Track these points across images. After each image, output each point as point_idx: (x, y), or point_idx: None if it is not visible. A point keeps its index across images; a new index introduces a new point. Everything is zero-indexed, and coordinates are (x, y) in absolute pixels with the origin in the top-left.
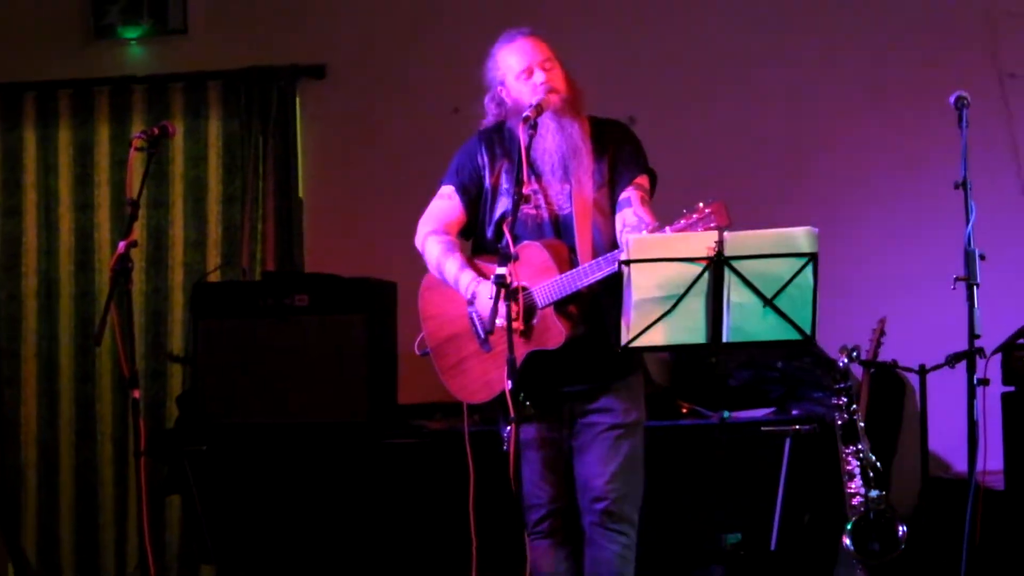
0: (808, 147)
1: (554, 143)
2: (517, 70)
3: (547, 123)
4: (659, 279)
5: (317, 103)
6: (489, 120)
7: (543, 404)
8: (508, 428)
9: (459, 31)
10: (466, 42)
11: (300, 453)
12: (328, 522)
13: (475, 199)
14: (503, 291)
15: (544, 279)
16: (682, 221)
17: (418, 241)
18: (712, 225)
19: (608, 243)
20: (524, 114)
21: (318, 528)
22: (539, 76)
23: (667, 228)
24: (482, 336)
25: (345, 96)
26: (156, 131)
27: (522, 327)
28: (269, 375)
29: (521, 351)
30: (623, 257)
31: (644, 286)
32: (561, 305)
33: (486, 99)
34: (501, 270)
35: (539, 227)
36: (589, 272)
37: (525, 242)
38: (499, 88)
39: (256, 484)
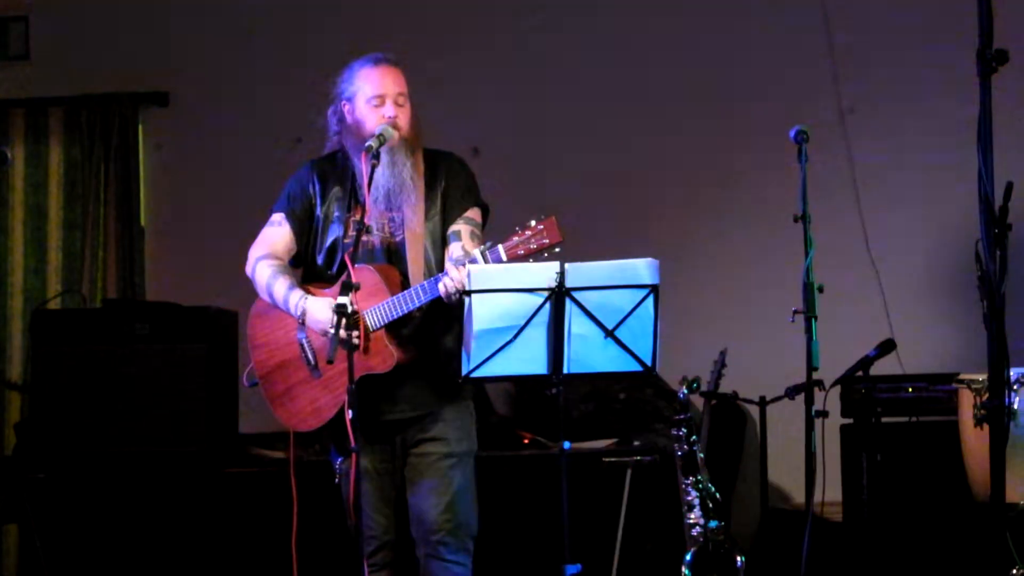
0: (651, 179)
1: (383, 178)
2: (370, 94)
3: (381, 157)
4: (500, 309)
5: (160, 130)
6: (332, 140)
7: (373, 433)
8: (340, 459)
9: (303, 61)
10: (309, 72)
11: (139, 482)
12: (167, 552)
13: (305, 227)
14: (343, 320)
15: (375, 302)
16: (515, 238)
17: (248, 267)
18: (545, 242)
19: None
20: (367, 143)
21: (157, 558)
22: (389, 109)
23: (499, 245)
24: (312, 362)
25: (188, 124)
26: None
27: (364, 352)
28: (109, 403)
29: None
30: (467, 287)
31: (485, 316)
32: (394, 328)
33: (329, 112)
34: (343, 299)
35: (371, 253)
36: (417, 295)
37: (358, 265)
38: (343, 103)
39: (95, 513)
